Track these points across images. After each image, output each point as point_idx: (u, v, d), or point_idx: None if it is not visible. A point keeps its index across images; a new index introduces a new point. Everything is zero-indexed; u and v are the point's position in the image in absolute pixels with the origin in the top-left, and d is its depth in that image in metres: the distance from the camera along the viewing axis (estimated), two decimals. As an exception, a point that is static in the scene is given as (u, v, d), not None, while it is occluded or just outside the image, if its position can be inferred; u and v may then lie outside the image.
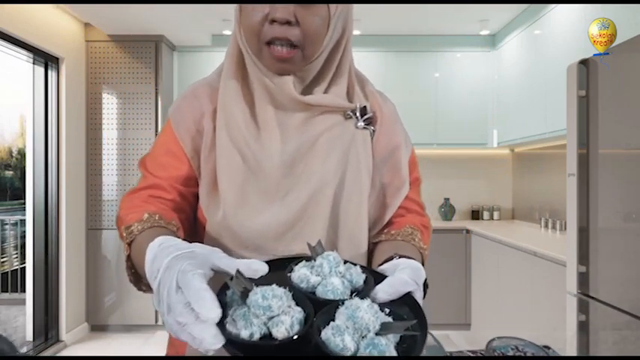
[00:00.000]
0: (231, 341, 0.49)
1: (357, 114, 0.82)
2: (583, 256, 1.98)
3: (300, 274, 0.60)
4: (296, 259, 0.64)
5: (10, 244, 5.75)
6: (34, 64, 3.39)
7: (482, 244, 3.54)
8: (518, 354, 0.64)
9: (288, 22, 0.73)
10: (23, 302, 3.76)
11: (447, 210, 4.27)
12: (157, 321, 3.83)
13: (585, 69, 1.97)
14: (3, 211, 7.74)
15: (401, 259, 0.67)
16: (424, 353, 0.52)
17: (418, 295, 0.61)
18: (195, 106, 0.82)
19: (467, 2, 3.46)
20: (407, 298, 0.59)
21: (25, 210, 3.59)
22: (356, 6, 3.54)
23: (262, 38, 0.75)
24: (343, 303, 0.54)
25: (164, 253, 0.55)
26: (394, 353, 0.50)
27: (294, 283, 0.59)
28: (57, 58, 3.51)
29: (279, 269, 0.61)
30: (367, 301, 0.54)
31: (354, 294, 0.58)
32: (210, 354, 0.50)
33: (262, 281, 0.54)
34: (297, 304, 0.55)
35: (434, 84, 4.16)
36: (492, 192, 4.43)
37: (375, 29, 4.05)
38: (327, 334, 0.50)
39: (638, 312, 1.68)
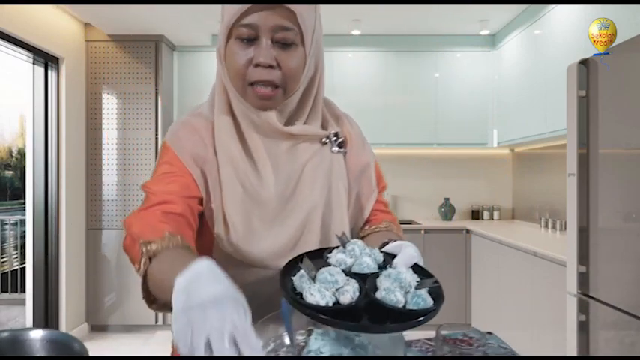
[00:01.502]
0: (315, 309, 0.63)
1: (332, 139, 0.95)
2: (583, 256, 1.98)
3: (338, 257, 0.74)
4: (326, 249, 0.79)
5: (10, 244, 5.75)
6: (34, 64, 3.39)
7: (483, 244, 3.54)
8: (465, 339, 0.76)
9: (270, 66, 0.82)
10: (23, 302, 3.76)
11: (447, 210, 4.27)
12: (156, 321, 3.83)
13: (585, 69, 1.97)
14: (3, 211, 7.74)
15: (399, 241, 0.82)
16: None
17: (421, 262, 0.78)
18: (196, 138, 0.89)
19: (467, 2, 3.46)
20: (415, 266, 0.77)
21: (25, 210, 3.59)
22: (356, 6, 3.55)
23: (247, 79, 0.84)
24: (378, 274, 0.71)
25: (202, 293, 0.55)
26: (431, 300, 0.67)
27: (334, 265, 0.72)
28: (57, 58, 3.51)
29: (317, 257, 0.76)
30: (405, 268, 0.72)
31: (380, 268, 0.74)
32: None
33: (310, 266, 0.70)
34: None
35: (434, 84, 4.16)
36: (492, 192, 4.43)
37: (375, 29, 4.05)
38: (381, 294, 0.66)
39: (638, 312, 1.68)
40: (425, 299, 0.66)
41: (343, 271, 0.71)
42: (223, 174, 0.87)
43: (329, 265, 0.73)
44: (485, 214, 4.32)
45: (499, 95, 4.02)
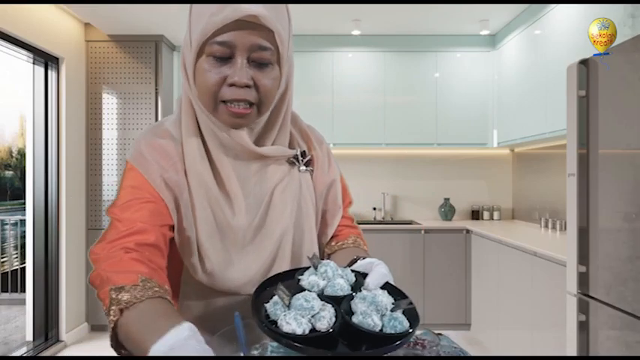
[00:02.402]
0: (292, 338, 0.61)
1: (299, 158, 0.95)
2: (583, 256, 1.98)
3: (310, 280, 0.73)
4: (298, 270, 0.78)
5: (10, 244, 5.75)
6: (34, 64, 3.39)
7: (482, 244, 3.54)
8: (419, 341, 0.78)
9: (247, 86, 0.79)
10: (23, 302, 3.76)
11: (447, 210, 4.27)
12: (157, 321, 3.83)
13: (585, 69, 1.97)
14: (3, 211, 7.74)
15: (368, 259, 0.81)
16: None
17: (392, 280, 0.78)
18: (165, 161, 0.83)
19: (467, 2, 3.46)
20: (387, 285, 0.76)
21: (25, 210, 3.59)
22: (356, 6, 3.55)
23: (219, 98, 0.80)
24: (352, 296, 0.70)
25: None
26: (407, 323, 0.66)
27: (307, 288, 0.71)
28: (57, 58, 3.51)
29: (287, 279, 0.75)
30: (380, 290, 0.72)
31: (352, 289, 0.73)
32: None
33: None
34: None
35: (434, 84, 4.15)
36: (492, 192, 4.43)
37: (375, 29, 4.05)
38: (357, 318, 0.65)
39: (638, 312, 1.68)
40: (402, 322, 0.66)
41: (318, 294, 0.70)
42: (196, 201, 0.83)
43: (301, 287, 0.72)
44: (486, 214, 4.32)
45: (499, 95, 4.02)
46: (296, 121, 0.99)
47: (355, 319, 0.65)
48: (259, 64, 0.80)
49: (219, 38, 0.77)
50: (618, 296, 1.79)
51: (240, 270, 0.85)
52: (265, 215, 0.88)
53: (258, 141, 0.88)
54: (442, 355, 0.79)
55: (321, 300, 0.68)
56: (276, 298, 0.67)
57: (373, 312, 0.66)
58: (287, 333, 0.62)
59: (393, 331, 0.65)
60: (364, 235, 1.06)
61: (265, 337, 0.68)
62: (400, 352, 0.74)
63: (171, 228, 0.82)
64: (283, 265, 0.88)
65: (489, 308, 3.43)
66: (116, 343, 0.68)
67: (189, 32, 0.81)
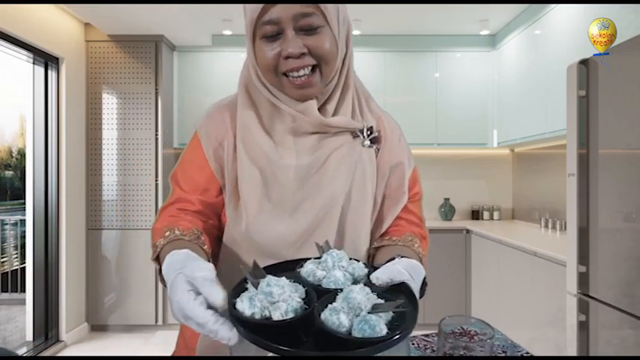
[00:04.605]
0: (235, 317, 0.57)
1: (364, 133, 0.89)
2: (583, 256, 1.98)
3: (308, 269, 0.69)
4: (309, 259, 0.72)
5: (10, 244, 5.74)
6: (34, 64, 3.39)
7: (482, 244, 3.54)
8: (463, 332, 0.69)
9: (302, 54, 0.80)
10: (23, 302, 3.76)
11: (447, 210, 4.27)
12: (156, 321, 3.83)
13: (585, 69, 1.97)
14: (3, 211, 7.73)
15: (403, 259, 0.72)
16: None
17: (413, 286, 0.66)
18: (219, 123, 0.89)
19: (467, 2, 3.46)
20: (403, 287, 0.66)
21: (25, 210, 3.59)
22: (356, 6, 3.55)
23: (279, 70, 0.82)
24: (342, 290, 0.62)
25: (170, 269, 0.66)
26: (384, 329, 0.56)
27: (303, 277, 0.67)
28: (57, 58, 3.51)
29: (296, 268, 0.71)
30: (359, 285, 0.61)
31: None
32: (232, 343, 0.57)
33: (279, 276, 0.63)
34: (307, 294, 0.63)
35: (434, 84, 4.16)
36: (492, 192, 4.43)
37: (375, 29, 4.05)
38: (325, 314, 0.58)
39: (638, 312, 1.68)
40: (373, 326, 0.55)
41: (314, 285, 0.65)
42: (239, 152, 0.85)
43: (299, 276, 0.67)
44: (486, 214, 4.32)
45: (499, 95, 4.02)
46: (368, 100, 0.96)
47: (322, 316, 0.58)
48: (308, 31, 0.80)
49: (265, 18, 0.80)
50: (618, 296, 1.79)
51: (280, 228, 0.83)
52: (315, 176, 0.84)
53: (320, 111, 0.87)
54: (495, 348, 0.72)
55: (320, 290, 0.63)
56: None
57: (343, 310, 0.58)
58: (235, 313, 0.58)
59: (360, 335, 0.55)
60: None
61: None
62: (448, 347, 0.64)
63: (221, 192, 0.89)
64: (328, 235, 0.83)
65: (489, 308, 3.43)
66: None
67: (245, 20, 0.84)
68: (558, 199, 3.44)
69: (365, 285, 0.63)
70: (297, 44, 0.79)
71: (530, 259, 2.71)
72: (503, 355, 0.84)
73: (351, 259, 0.71)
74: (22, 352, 3.30)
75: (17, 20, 3.00)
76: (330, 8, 0.81)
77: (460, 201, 4.39)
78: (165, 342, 3.59)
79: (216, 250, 0.89)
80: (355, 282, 0.66)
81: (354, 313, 0.58)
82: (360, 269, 0.69)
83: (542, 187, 3.81)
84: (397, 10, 3.64)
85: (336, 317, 0.56)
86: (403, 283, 0.66)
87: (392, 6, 3.54)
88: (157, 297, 3.83)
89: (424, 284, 0.73)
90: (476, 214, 4.35)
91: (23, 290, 4.53)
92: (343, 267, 0.68)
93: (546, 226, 3.54)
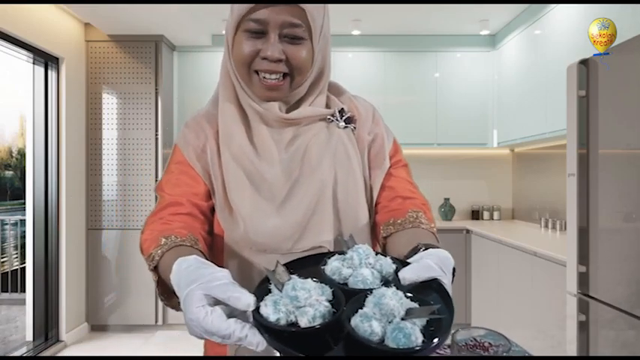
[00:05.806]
0: (259, 323, 0.54)
1: (337, 117, 0.93)
2: (583, 256, 1.98)
3: (333, 267, 0.64)
4: (332, 254, 0.68)
5: (10, 244, 5.74)
6: (34, 64, 3.39)
7: (482, 244, 3.54)
8: (476, 344, 0.64)
9: (278, 60, 0.83)
10: (23, 302, 3.76)
11: (447, 210, 4.27)
12: (156, 321, 3.83)
13: (585, 69, 1.97)
14: (3, 211, 7.74)
15: (429, 250, 0.67)
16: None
17: (446, 282, 0.61)
18: (198, 132, 0.91)
19: (467, 2, 3.46)
20: (434, 285, 0.61)
21: (25, 210, 3.59)
22: (356, 6, 3.55)
23: (252, 68, 0.85)
24: (372, 292, 0.56)
25: (181, 280, 0.62)
26: (420, 337, 0.51)
27: (327, 276, 0.63)
28: (57, 58, 3.51)
29: (318, 264, 0.66)
30: (392, 289, 0.56)
31: (386, 283, 0.61)
32: (261, 348, 0.55)
33: (302, 274, 0.60)
34: (333, 295, 0.59)
35: (434, 84, 4.16)
36: (492, 192, 4.43)
37: (375, 29, 4.05)
38: (355, 321, 0.53)
39: (638, 312, 1.68)
40: (408, 335, 0.50)
41: (340, 284, 0.61)
42: (224, 155, 0.87)
43: (324, 274, 0.63)
44: (486, 214, 4.32)
45: (499, 95, 4.02)
46: (340, 92, 0.99)
47: (353, 322, 0.53)
48: (291, 39, 0.84)
49: (253, 16, 0.82)
50: (618, 296, 1.79)
51: (275, 223, 0.83)
52: (301, 168, 0.87)
53: (291, 110, 0.90)
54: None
55: (347, 291, 0.58)
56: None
57: (375, 316, 0.53)
58: (258, 318, 0.54)
59: (394, 345, 0.50)
60: None
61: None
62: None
63: (210, 196, 0.89)
64: (325, 222, 0.85)
65: (489, 308, 3.43)
66: (167, 301, 0.78)
67: (231, 11, 0.87)
68: (558, 199, 3.44)
69: (392, 282, 0.60)
70: (278, 49, 0.83)
71: (530, 259, 2.71)
72: None
73: (377, 253, 0.66)
74: (22, 352, 3.30)
75: (17, 20, 3.00)
76: (317, 24, 0.84)
77: (460, 201, 4.39)
78: (165, 342, 3.59)
79: (209, 257, 0.88)
80: (384, 280, 0.62)
81: (386, 319, 0.53)
82: (388, 265, 0.63)
83: (542, 187, 3.81)
84: (397, 10, 3.64)
85: (367, 325, 0.52)
86: (435, 279, 0.61)
87: (392, 6, 3.54)
88: (157, 297, 3.82)
89: (453, 272, 0.67)
90: (476, 214, 4.35)
91: (23, 290, 4.53)
92: (370, 264, 0.63)
93: (546, 226, 3.54)
